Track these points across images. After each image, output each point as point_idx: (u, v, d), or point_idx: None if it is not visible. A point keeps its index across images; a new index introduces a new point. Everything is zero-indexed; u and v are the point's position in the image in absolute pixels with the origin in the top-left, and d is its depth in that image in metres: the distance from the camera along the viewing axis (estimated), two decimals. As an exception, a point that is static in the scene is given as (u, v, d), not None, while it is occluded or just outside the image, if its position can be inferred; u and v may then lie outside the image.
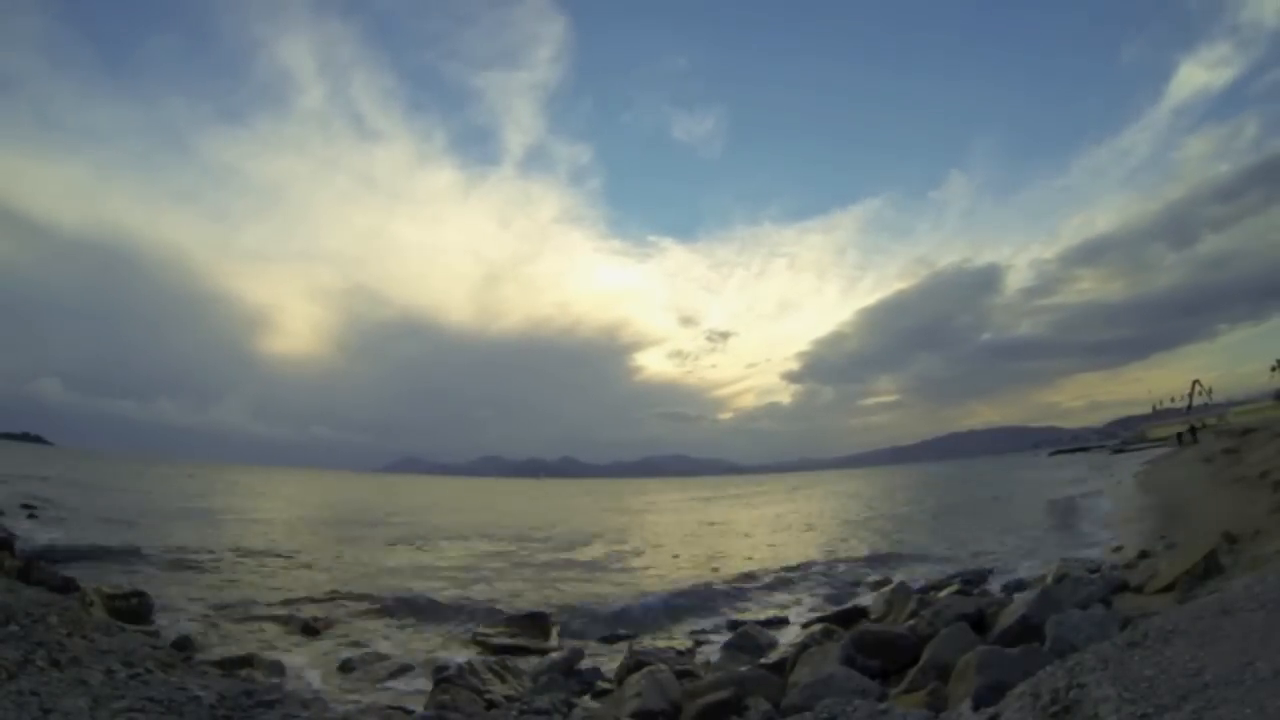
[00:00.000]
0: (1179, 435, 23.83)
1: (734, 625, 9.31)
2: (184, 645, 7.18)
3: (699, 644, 8.68)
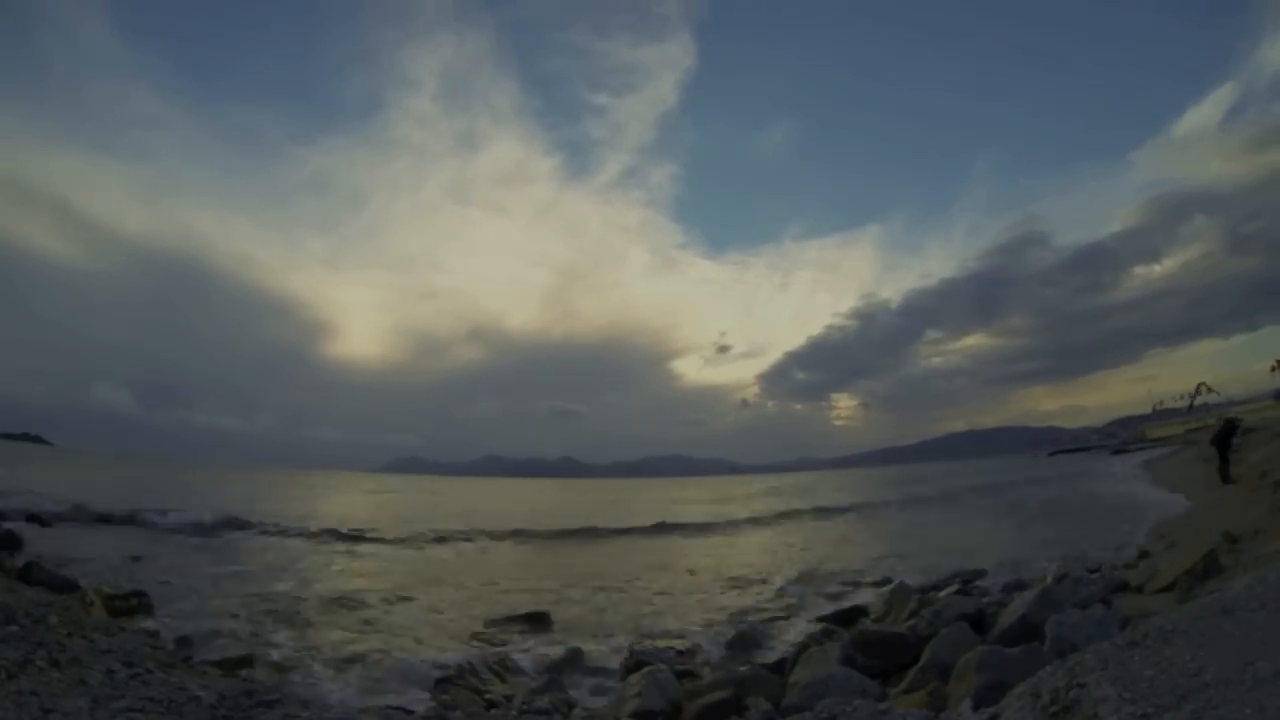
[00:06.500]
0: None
1: (733, 625, 9.29)
2: (184, 645, 7.18)
3: (699, 644, 8.67)
